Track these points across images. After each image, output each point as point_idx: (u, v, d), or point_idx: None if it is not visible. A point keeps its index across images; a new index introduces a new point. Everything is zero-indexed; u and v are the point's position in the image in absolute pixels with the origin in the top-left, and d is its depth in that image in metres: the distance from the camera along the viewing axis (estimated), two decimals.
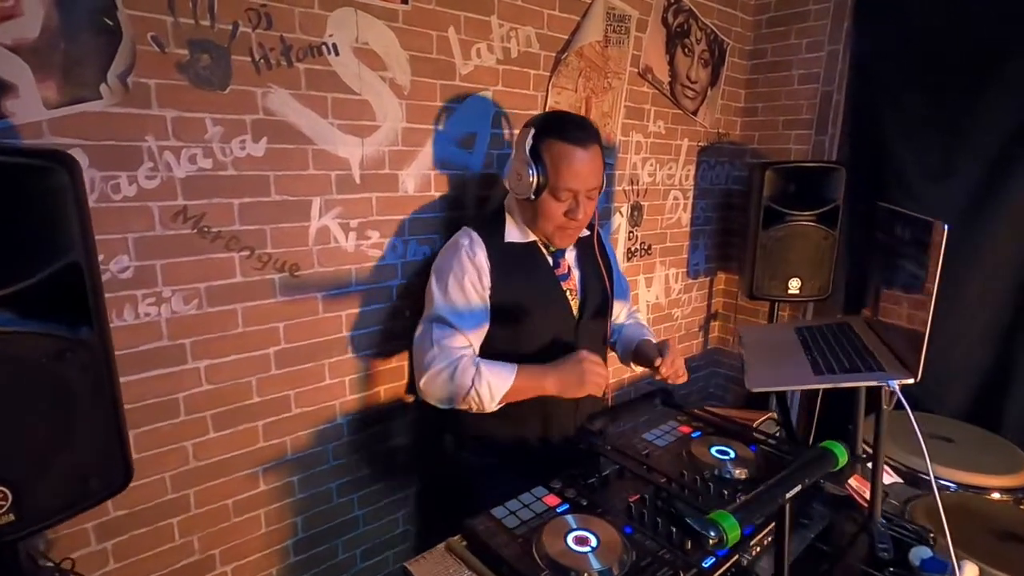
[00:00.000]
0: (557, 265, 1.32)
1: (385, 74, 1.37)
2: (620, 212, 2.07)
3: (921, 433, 0.95)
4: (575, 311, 1.34)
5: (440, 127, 1.49)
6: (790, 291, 2.09)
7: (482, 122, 1.58)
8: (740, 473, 1.07)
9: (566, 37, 1.72)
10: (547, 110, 1.71)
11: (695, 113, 2.22)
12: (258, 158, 1.22)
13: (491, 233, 1.29)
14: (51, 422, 0.75)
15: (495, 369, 1.20)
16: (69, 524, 1.11)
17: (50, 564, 0.99)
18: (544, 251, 1.32)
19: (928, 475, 1.42)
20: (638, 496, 1.14)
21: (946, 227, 0.89)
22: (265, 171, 1.24)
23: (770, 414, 1.50)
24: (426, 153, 1.48)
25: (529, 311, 1.27)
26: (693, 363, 2.57)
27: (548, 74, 1.70)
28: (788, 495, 0.68)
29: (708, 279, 2.56)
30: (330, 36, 1.27)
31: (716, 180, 2.43)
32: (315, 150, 1.30)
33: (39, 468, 0.75)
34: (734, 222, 2.53)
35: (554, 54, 1.70)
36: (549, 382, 1.20)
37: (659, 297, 2.34)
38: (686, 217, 2.35)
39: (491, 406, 1.20)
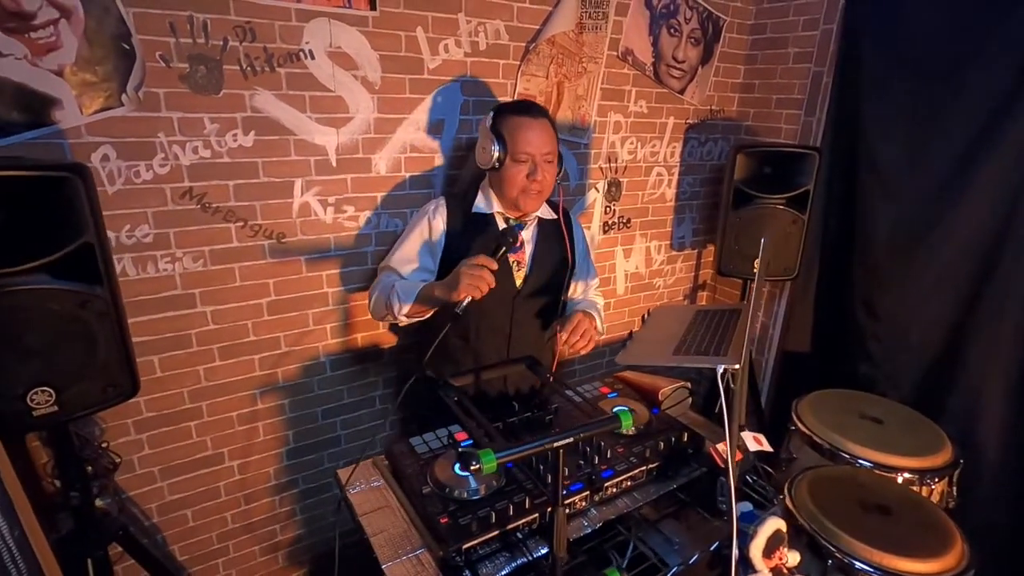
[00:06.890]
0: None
1: (357, 73, 1.61)
2: (596, 188, 2.23)
3: (732, 419, 1.12)
4: (517, 283, 1.52)
5: (409, 116, 1.72)
6: (754, 270, 2.19)
7: (451, 110, 1.79)
8: (629, 431, 1.31)
9: (537, 27, 1.85)
10: (516, 97, 1.89)
11: (682, 92, 2.28)
12: (248, 148, 1.52)
13: (459, 204, 1.53)
14: (79, 349, 1.11)
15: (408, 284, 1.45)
16: (115, 419, 1.54)
17: (94, 444, 1.42)
18: (499, 223, 1.52)
19: (846, 454, 1.56)
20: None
21: (763, 240, 1.04)
22: (254, 158, 1.54)
23: (683, 383, 1.69)
24: (397, 139, 1.72)
25: None
26: None
27: (518, 63, 1.86)
28: (557, 444, 0.93)
29: (696, 251, 2.68)
30: (307, 43, 1.51)
31: (707, 156, 2.50)
32: (296, 140, 1.58)
33: (73, 379, 1.11)
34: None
35: (524, 44, 1.85)
36: (438, 289, 1.34)
37: (639, 267, 2.49)
38: (670, 192, 2.46)
39: (401, 314, 1.43)
